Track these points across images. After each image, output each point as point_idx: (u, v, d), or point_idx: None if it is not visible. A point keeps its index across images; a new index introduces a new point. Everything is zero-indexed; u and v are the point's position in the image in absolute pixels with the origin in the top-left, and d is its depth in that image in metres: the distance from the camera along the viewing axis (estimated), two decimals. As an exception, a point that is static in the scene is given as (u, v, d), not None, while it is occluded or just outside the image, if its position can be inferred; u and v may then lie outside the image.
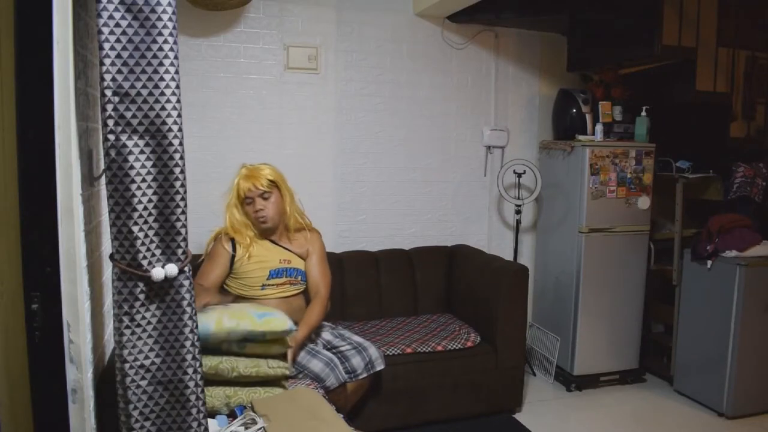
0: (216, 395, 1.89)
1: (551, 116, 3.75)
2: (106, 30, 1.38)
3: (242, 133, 3.22)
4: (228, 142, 3.19)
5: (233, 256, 2.46)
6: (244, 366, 1.92)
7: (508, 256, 3.67)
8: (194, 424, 1.56)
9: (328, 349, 2.51)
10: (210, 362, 1.89)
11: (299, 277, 2.55)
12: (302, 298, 2.59)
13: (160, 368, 1.52)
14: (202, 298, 2.21)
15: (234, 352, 1.94)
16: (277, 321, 1.95)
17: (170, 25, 1.43)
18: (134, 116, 1.42)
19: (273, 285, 2.48)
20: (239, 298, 2.49)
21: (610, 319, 3.42)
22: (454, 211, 3.69)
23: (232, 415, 1.92)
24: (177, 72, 1.45)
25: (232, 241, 2.47)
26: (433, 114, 3.57)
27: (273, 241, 2.55)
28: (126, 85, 1.40)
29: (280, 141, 3.29)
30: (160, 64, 1.42)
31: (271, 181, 2.50)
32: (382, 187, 3.52)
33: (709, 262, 3.13)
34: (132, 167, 1.43)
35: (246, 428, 1.75)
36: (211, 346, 1.90)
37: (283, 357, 2.07)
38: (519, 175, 3.57)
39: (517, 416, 3.07)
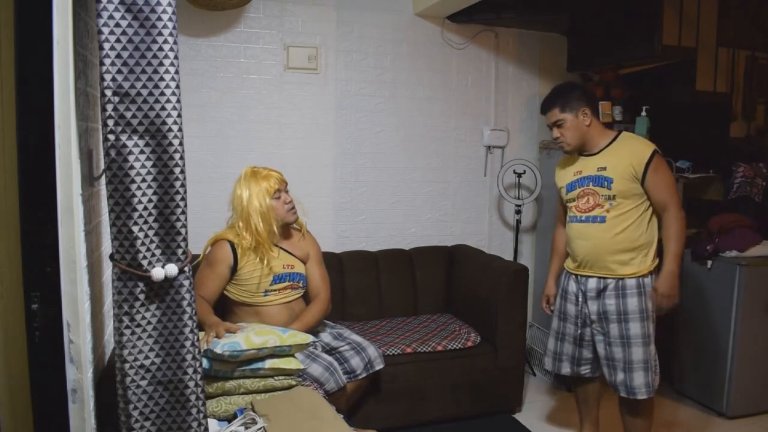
0: (236, 402, 1.96)
1: (551, 116, 3.75)
2: (106, 30, 1.38)
3: (242, 133, 3.22)
4: (228, 142, 3.19)
5: (235, 264, 2.40)
6: (251, 382, 1.99)
7: (508, 256, 3.67)
8: (194, 424, 1.56)
9: (327, 352, 2.51)
10: (216, 383, 1.93)
11: (300, 282, 2.54)
12: (302, 303, 2.58)
13: (160, 368, 1.52)
14: (203, 317, 2.20)
15: (248, 376, 1.99)
16: (301, 334, 2.09)
17: (170, 25, 1.43)
18: (134, 116, 1.42)
19: (275, 290, 2.45)
20: (240, 305, 2.47)
21: (610, 319, 3.42)
22: (454, 211, 3.69)
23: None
24: (177, 72, 1.45)
25: (232, 247, 2.40)
26: (433, 114, 3.57)
27: (276, 244, 2.50)
28: (126, 85, 1.40)
29: (280, 141, 3.29)
30: (160, 64, 1.42)
31: None
32: (382, 187, 3.52)
33: (709, 262, 3.13)
34: (132, 167, 1.43)
35: (246, 428, 1.75)
36: (238, 365, 1.97)
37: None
38: (519, 175, 3.57)
39: (517, 416, 3.08)
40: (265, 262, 2.40)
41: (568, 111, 2.39)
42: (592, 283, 2.43)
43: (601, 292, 2.40)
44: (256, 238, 2.39)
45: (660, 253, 2.38)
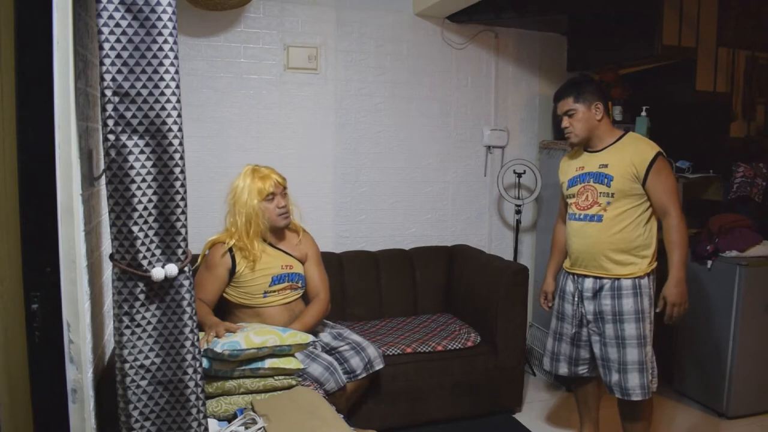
0: (236, 402, 1.96)
1: (551, 116, 3.75)
2: (106, 30, 1.38)
3: (242, 133, 3.22)
4: (228, 142, 3.19)
5: (233, 267, 2.40)
6: (251, 382, 1.99)
7: (508, 256, 3.67)
8: (194, 424, 1.56)
9: (327, 351, 2.51)
10: (216, 383, 1.94)
11: (299, 282, 2.54)
12: (302, 303, 2.58)
13: (160, 368, 1.52)
14: (203, 318, 2.21)
15: (248, 375, 1.99)
16: (301, 334, 2.10)
17: (170, 25, 1.43)
18: (134, 116, 1.42)
19: (275, 291, 2.45)
20: (240, 307, 2.46)
21: (610, 319, 3.42)
22: (454, 211, 3.69)
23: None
24: (177, 72, 1.45)
25: (230, 250, 2.39)
26: (433, 114, 3.57)
27: (273, 245, 2.51)
28: (126, 85, 1.40)
29: (280, 141, 3.29)
30: (160, 64, 1.42)
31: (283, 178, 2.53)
32: (382, 187, 3.52)
33: (709, 262, 3.13)
34: (132, 167, 1.43)
35: (246, 428, 1.75)
36: (238, 364, 1.97)
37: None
38: (519, 175, 3.57)
39: (517, 416, 3.08)
40: (255, 266, 2.40)
41: (582, 102, 2.39)
42: (588, 283, 2.43)
43: (597, 293, 2.40)
44: (243, 238, 2.39)
45: (659, 256, 2.38)
